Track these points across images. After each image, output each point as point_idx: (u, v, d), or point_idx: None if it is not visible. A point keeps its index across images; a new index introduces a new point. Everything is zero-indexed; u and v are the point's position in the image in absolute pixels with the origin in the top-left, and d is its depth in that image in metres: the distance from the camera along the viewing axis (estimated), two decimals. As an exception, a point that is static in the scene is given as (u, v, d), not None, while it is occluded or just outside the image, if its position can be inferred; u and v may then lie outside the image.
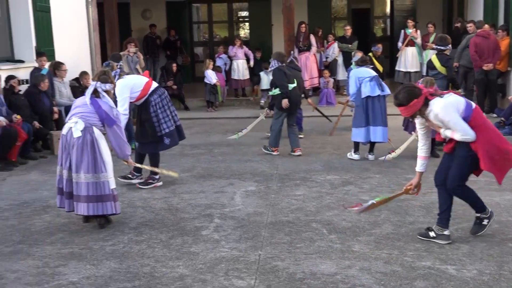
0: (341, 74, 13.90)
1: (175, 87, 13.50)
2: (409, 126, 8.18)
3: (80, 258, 4.56)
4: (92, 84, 5.34)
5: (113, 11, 14.73)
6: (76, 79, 10.84)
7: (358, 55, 9.51)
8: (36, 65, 9.84)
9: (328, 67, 14.44)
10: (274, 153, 8.40)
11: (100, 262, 4.48)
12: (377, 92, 7.74)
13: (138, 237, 5.02)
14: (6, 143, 7.79)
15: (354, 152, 7.99)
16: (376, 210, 5.60)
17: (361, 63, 8.19)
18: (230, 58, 14.67)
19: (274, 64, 8.39)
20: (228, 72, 14.67)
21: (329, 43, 14.58)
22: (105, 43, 14.77)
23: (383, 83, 7.99)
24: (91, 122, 5.19)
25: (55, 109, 9.48)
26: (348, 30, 14.01)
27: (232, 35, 18.21)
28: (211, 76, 13.32)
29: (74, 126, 5.15)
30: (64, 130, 5.23)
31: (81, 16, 12.23)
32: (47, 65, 9.88)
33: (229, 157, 8.28)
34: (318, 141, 9.38)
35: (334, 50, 14.34)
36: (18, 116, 8.21)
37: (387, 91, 7.89)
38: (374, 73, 7.98)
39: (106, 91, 5.34)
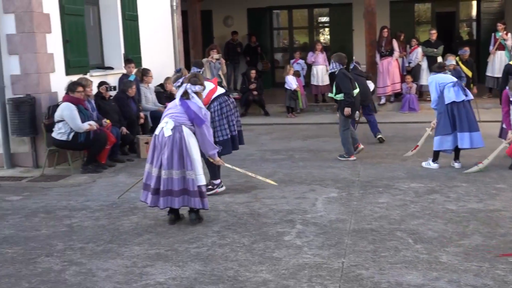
0: (424, 79, 13.48)
1: (255, 92, 13.63)
2: (502, 133, 7.88)
3: (166, 259, 4.68)
4: (182, 86, 5.61)
5: (196, 18, 15.11)
6: (161, 85, 11.18)
7: (451, 59, 9.16)
8: (125, 71, 10.21)
9: (411, 72, 14.10)
10: (351, 158, 8.38)
11: (185, 263, 4.58)
12: (462, 97, 7.50)
13: (222, 240, 5.09)
14: (97, 147, 8.12)
15: (433, 161, 7.76)
16: (464, 219, 5.41)
17: (438, 69, 7.98)
18: (307, 64, 14.64)
19: (335, 66, 8.37)
20: (307, 78, 14.65)
21: (412, 47, 14.24)
22: (188, 50, 15.16)
23: (465, 88, 7.76)
24: (180, 121, 5.45)
25: (141, 114, 9.80)
26: (434, 34, 13.59)
27: (311, 41, 18.17)
28: (292, 82, 13.34)
29: (165, 126, 5.45)
30: (157, 131, 5.53)
31: (166, 24, 12.61)
32: (134, 71, 10.24)
33: (310, 163, 8.25)
34: (400, 147, 9.17)
35: (417, 55, 13.97)
36: (108, 121, 8.56)
37: (471, 96, 7.65)
38: (454, 79, 7.79)
39: (196, 93, 5.58)
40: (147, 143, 9.16)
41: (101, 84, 9.09)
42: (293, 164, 8.25)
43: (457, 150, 7.70)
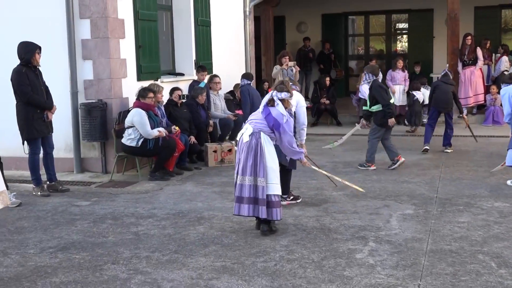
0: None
1: (327, 101, 13.52)
2: None
3: (232, 273, 4.67)
4: (269, 93, 5.77)
5: (269, 24, 15.20)
6: (231, 92, 11.28)
7: None
8: (195, 78, 10.36)
9: (496, 82, 13.58)
10: (371, 168, 8.57)
11: (251, 278, 4.56)
12: None
13: (290, 255, 5.04)
14: (165, 154, 8.27)
15: None
16: (554, 245, 5.12)
17: (510, 80, 7.70)
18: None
19: (369, 77, 8.69)
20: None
21: (499, 56, 13.73)
22: (260, 57, 15.25)
23: None
24: (259, 127, 5.62)
25: (210, 122, 9.91)
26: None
27: (389, 48, 17.89)
28: (366, 91, 13.10)
29: (245, 132, 5.67)
30: (238, 136, 5.78)
31: (239, 30, 12.74)
32: (206, 79, 10.37)
33: (385, 177, 8.08)
34: (483, 163, 8.83)
35: (504, 64, 13.42)
36: (177, 128, 8.70)
37: None
38: None
39: (282, 100, 5.69)
40: (215, 151, 9.27)
41: (174, 90, 9.25)
42: (367, 178, 8.10)
43: None
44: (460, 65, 13.33)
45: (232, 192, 7.38)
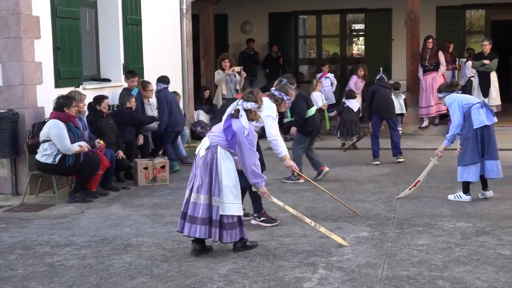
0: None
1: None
2: None
3: (162, 308, 4.63)
4: (234, 103, 5.86)
5: (209, 24, 15.26)
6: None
7: None
8: (125, 84, 10.29)
9: (463, 90, 13.98)
10: (300, 180, 8.90)
11: (184, 313, 4.52)
12: (493, 119, 7.79)
13: (229, 286, 5.03)
14: (87, 171, 8.16)
15: (465, 192, 7.88)
16: (519, 268, 5.30)
17: (449, 88, 8.13)
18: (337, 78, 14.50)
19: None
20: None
21: (464, 61, 14.18)
22: (199, 60, 15.27)
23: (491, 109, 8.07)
24: (216, 141, 5.74)
25: (140, 136, 9.82)
26: (487, 46, 13.39)
27: (344, 52, 18.21)
28: (318, 99, 13.32)
29: (202, 145, 5.80)
30: (196, 150, 5.91)
31: (174, 29, 12.73)
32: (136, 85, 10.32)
33: (338, 196, 8.15)
34: (445, 180, 9.07)
35: (470, 70, 13.83)
36: (101, 142, 8.60)
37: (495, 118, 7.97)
38: (477, 99, 8.09)
39: (248, 110, 5.76)
40: (146, 168, 9.20)
41: (102, 98, 9.13)
42: (317, 196, 8.20)
43: (483, 178, 7.88)
44: (420, 70, 13.70)
45: (165, 215, 7.38)
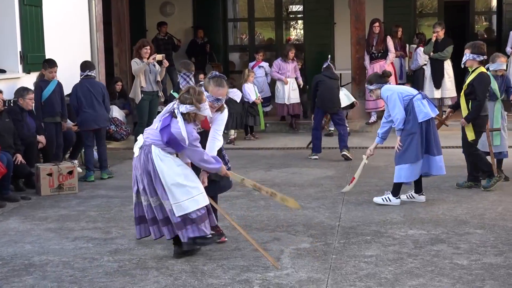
0: (428, 90, 13.60)
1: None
2: None
3: (72, 337, 4.59)
4: (171, 104, 5.94)
5: (123, 5, 15.14)
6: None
7: (501, 61, 9.13)
8: (23, 76, 10.12)
9: (412, 80, 14.34)
10: None
11: None
12: (436, 110, 8.18)
13: (150, 309, 5.03)
14: (-21, 179, 8.00)
15: (394, 195, 8.12)
16: (478, 278, 5.48)
17: (381, 79, 8.34)
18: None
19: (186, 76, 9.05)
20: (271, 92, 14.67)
21: (415, 47, 14.51)
22: (111, 48, 15.11)
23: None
24: (150, 140, 5.90)
25: (40, 137, 9.62)
26: (439, 32, 13.70)
27: (280, 37, 18.34)
28: (251, 92, 13.41)
29: (137, 143, 6.03)
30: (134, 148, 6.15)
31: (82, 12, 12.55)
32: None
33: (275, 202, 8.25)
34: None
35: (421, 57, 14.14)
36: (-5, 144, 8.43)
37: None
38: (414, 90, 8.37)
39: (186, 114, 5.80)
40: (50, 174, 9.07)
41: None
42: (252, 204, 8.26)
43: (418, 180, 8.19)
44: (367, 58, 13.96)
45: (74, 229, 7.29)
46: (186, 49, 16.97)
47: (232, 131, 13.05)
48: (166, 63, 11.75)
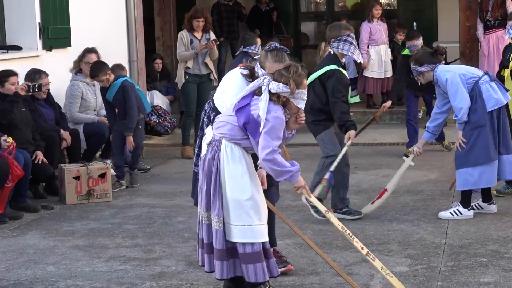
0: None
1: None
2: None
3: None
4: (259, 79, 5.70)
5: (166, -35, 15.20)
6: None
7: None
8: (41, 53, 10.28)
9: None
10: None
11: None
12: (508, 96, 8.01)
13: None
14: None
15: (465, 206, 8.02)
16: None
17: (433, 58, 8.15)
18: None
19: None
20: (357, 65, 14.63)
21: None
22: (153, 18, 15.22)
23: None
24: (221, 132, 5.69)
25: (65, 133, 9.73)
26: None
27: (366, 2, 18.23)
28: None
29: (204, 139, 5.86)
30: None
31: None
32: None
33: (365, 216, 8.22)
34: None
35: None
36: (10, 139, 8.55)
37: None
38: (480, 70, 8.22)
39: (275, 94, 5.56)
40: (77, 178, 9.16)
41: (6, 75, 9.08)
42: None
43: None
44: (480, 27, 13.72)
45: (108, 247, 7.38)
46: (247, 18, 16.97)
47: None
48: (213, 44, 11.61)
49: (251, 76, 6.07)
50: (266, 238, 5.74)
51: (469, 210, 8.00)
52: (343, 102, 7.90)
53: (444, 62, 12.31)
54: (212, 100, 6.44)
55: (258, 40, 9.52)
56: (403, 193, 9.09)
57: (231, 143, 5.63)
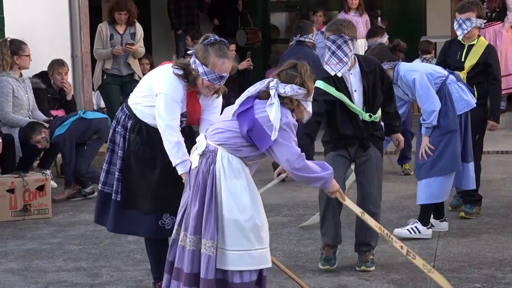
0: None
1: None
2: None
3: None
4: (262, 81, 5.57)
5: None
6: (42, 75, 11.17)
7: None
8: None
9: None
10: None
11: None
12: (473, 97, 8.14)
13: None
14: None
15: (424, 224, 8.08)
16: None
17: (392, 55, 7.97)
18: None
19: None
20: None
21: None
22: (100, 6, 15.20)
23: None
24: (219, 140, 5.57)
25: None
26: None
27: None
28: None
29: (195, 148, 5.68)
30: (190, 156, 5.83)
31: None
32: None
33: (343, 233, 8.27)
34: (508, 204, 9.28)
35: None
36: None
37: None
38: (442, 69, 8.24)
39: (286, 99, 5.50)
40: (11, 191, 9.13)
41: None
42: (305, 234, 8.30)
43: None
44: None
45: (47, 271, 7.36)
46: (208, 8, 16.96)
47: None
48: (131, 47, 11.66)
49: (186, 76, 5.98)
50: (269, 264, 5.66)
51: (428, 228, 8.04)
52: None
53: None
54: (127, 106, 6.29)
55: (314, 28, 9.51)
56: (386, 210, 9.12)
57: (228, 154, 5.53)
